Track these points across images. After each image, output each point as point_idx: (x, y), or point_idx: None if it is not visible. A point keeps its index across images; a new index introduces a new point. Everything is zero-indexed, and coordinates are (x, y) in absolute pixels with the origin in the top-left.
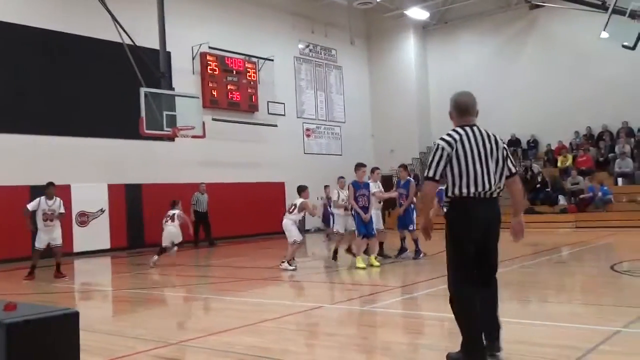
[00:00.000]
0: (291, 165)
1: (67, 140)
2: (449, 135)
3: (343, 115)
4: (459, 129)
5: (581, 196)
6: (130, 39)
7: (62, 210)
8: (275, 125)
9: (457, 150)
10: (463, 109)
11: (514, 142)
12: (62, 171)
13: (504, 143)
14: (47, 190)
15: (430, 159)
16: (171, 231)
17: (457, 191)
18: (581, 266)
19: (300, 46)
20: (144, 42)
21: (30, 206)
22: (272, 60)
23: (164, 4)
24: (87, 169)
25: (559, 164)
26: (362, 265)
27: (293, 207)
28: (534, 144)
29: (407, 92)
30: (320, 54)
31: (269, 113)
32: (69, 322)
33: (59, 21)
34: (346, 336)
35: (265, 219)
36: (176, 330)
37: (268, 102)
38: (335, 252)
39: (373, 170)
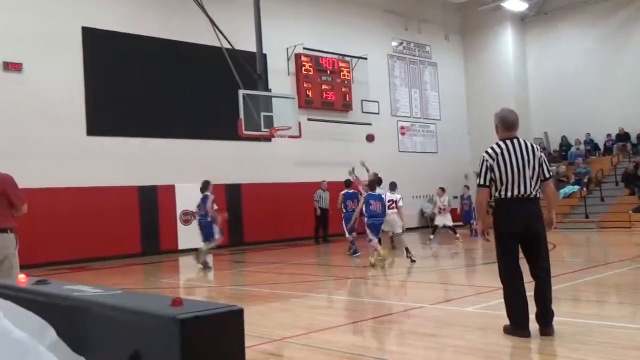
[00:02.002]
0: (386, 164)
1: (172, 142)
2: (492, 148)
3: (438, 112)
4: (500, 143)
5: None
6: (229, 42)
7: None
8: (370, 124)
9: (497, 161)
10: (509, 125)
11: (622, 137)
12: (167, 172)
13: (540, 152)
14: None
15: (478, 169)
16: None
17: (499, 194)
18: None
19: (394, 44)
20: (241, 45)
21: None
22: (366, 58)
23: (260, 6)
24: (190, 169)
25: None
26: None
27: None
28: None
29: (505, 87)
30: (414, 50)
31: (362, 112)
32: (234, 319)
33: (162, 29)
34: (446, 337)
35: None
36: (278, 327)
37: (362, 100)
38: None
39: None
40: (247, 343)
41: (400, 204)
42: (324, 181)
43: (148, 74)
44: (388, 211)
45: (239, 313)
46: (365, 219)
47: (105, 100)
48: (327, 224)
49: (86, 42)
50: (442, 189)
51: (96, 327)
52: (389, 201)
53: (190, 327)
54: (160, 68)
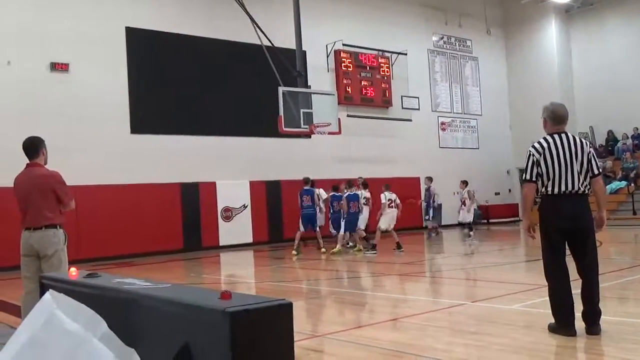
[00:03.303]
0: (426, 160)
1: (213, 139)
2: (539, 143)
3: (479, 107)
4: (548, 137)
5: None
6: (269, 40)
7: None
8: (410, 120)
9: (544, 156)
10: (558, 119)
11: None
12: (209, 169)
13: (589, 147)
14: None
15: (525, 164)
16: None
17: (545, 190)
18: None
19: (434, 38)
20: (280, 42)
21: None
22: (405, 54)
23: (300, 4)
24: (230, 166)
25: None
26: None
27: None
28: None
29: (549, 81)
30: (455, 45)
31: (403, 107)
32: (284, 312)
33: (203, 28)
34: (489, 335)
35: (402, 214)
36: (319, 323)
37: (402, 96)
38: None
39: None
40: None
41: (397, 201)
42: (361, 177)
43: (189, 73)
44: (388, 209)
45: (288, 307)
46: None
47: (148, 98)
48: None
49: (129, 42)
50: (464, 182)
51: (146, 320)
52: (388, 200)
53: (240, 320)
54: (202, 66)
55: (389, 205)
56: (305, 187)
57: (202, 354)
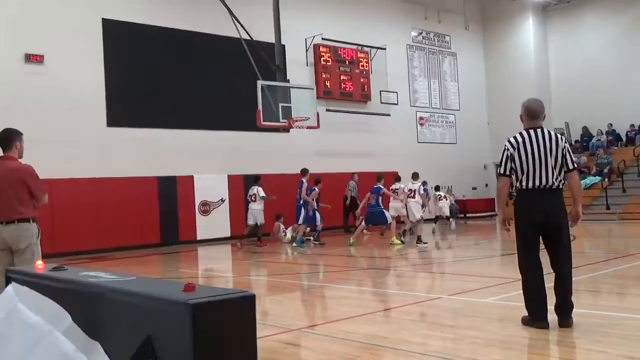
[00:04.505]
0: (405, 155)
1: (191, 133)
2: (514, 137)
3: (457, 102)
4: (523, 132)
5: None
6: (248, 33)
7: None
8: (388, 115)
9: (519, 150)
10: (532, 114)
11: None
12: (186, 163)
13: (565, 142)
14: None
15: (500, 158)
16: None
17: (519, 184)
18: None
19: (413, 34)
20: (259, 36)
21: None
22: (385, 49)
23: None
24: (208, 160)
25: None
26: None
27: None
28: None
29: (526, 77)
30: (434, 40)
31: (381, 102)
32: (246, 304)
33: (182, 20)
34: (465, 328)
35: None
36: (295, 317)
37: (381, 91)
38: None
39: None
40: (265, 332)
41: (421, 192)
42: (356, 173)
43: (167, 66)
44: (408, 200)
45: (251, 299)
46: None
47: (125, 91)
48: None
49: (106, 34)
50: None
51: (111, 313)
52: (409, 190)
53: (202, 312)
54: (180, 59)
55: (408, 195)
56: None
57: (165, 346)
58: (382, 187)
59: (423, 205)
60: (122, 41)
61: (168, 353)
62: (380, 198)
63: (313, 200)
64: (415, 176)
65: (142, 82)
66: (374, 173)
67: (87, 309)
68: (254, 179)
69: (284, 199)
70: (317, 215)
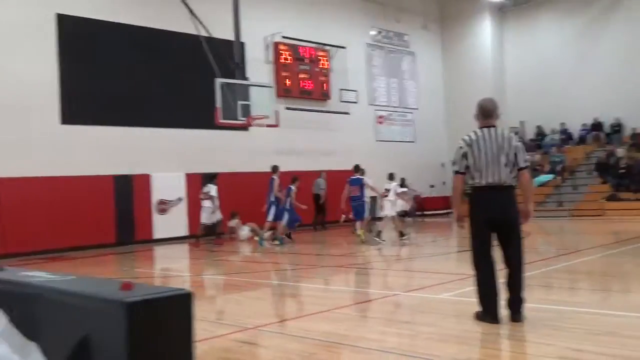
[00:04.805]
0: (364, 153)
1: (148, 131)
2: (468, 135)
3: (416, 101)
4: (477, 130)
5: None
6: (207, 30)
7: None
8: (348, 113)
9: (472, 148)
10: (486, 114)
11: (596, 126)
12: (143, 161)
13: (517, 141)
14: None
15: (454, 156)
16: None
17: (473, 181)
18: None
19: (372, 33)
20: (219, 33)
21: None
22: (344, 48)
23: None
24: (166, 158)
25: None
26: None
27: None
28: (617, 127)
29: (483, 77)
30: (393, 40)
31: (341, 101)
32: (184, 303)
33: (140, 16)
34: (421, 324)
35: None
36: (252, 316)
37: (340, 89)
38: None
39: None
40: (221, 331)
41: (398, 191)
42: (323, 171)
43: (124, 62)
44: (384, 198)
45: (188, 297)
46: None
47: (80, 88)
48: (324, 211)
49: (61, 29)
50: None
51: (49, 313)
52: (385, 189)
53: (138, 310)
54: (137, 56)
55: (383, 194)
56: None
57: (101, 346)
58: (364, 177)
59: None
60: (78, 37)
61: (105, 352)
62: (363, 190)
63: (288, 198)
64: (391, 176)
65: (99, 79)
66: (332, 172)
67: (25, 310)
68: (210, 177)
69: (243, 197)
70: (292, 213)
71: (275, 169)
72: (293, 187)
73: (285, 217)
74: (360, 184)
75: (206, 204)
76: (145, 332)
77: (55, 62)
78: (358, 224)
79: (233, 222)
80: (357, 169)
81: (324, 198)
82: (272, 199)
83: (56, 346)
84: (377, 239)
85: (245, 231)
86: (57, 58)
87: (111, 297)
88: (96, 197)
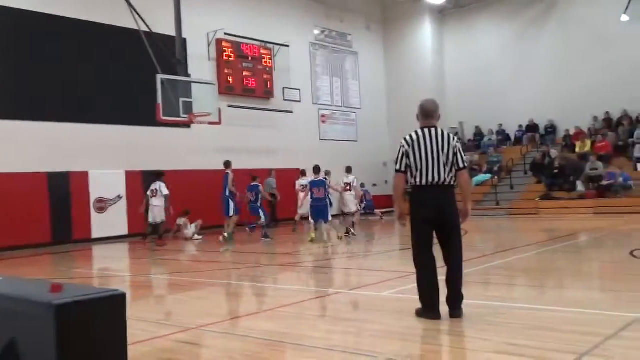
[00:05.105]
0: (307, 152)
1: (85, 127)
2: (409, 135)
3: (359, 101)
4: (418, 130)
5: (603, 183)
6: (147, 25)
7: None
8: (291, 112)
9: (413, 148)
10: (427, 114)
11: (531, 128)
12: (80, 158)
13: (457, 141)
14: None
15: (396, 155)
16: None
17: (414, 180)
18: (599, 252)
19: (316, 32)
20: (159, 29)
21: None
22: (288, 46)
23: None
24: (104, 155)
25: (577, 150)
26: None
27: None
28: (551, 129)
29: (423, 77)
30: (336, 39)
31: (284, 99)
32: (117, 304)
33: (77, 9)
34: (364, 321)
35: (282, 205)
36: (195, 316)
37: (284, 88)
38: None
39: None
40: (164, 332)
41: (354, 184)
42: (273, 170)
43: (61, 56)
44: (344, 192)
45: (121, 298)
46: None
47: (14, 82)
48: (275, 209)
49: None
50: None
51: None
52: (345, 184)
53: (67, 312)
54: (76, 50)
55: (345, 188)
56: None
57: (30, 349)
58: (327, 178)
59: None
60: (12, 29)
61: (34, 355)
62: (327, 192)
63: (259, 195)
64: (349, 170)
65: (34, 73)
66: (278, 170)
67: None
68: (157, 175)
69: (185, 195)
70: (264, 210)
71: (228, 164)
72: (260, 186)
73: (262, 214)
74: (324, 186)
75: (155, 202)
76: (75, 335)
77: None
78: (313, 224)
79: (181, 221)
80: (318, 170)
81: (278, 197)
82: (227, 194)
83: None
84: (348, 235)
85: (191, 229)
86: None
87: (40, 300)
88: (29, 194)
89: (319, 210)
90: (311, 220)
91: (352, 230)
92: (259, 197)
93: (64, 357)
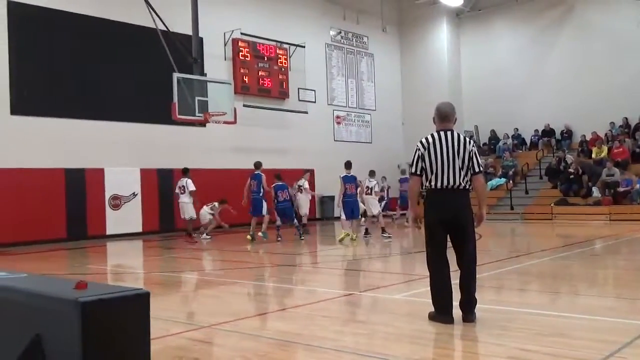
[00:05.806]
0: (321, 152)
1: (102, 124)
2: (425, 138)
3: (374, 103)
4: (434, 133)
5: (620, 189)
6: (164, 24)
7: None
8: (306, 112)
9: (429, 151)
10: (443, 117)
11: (547, 132)
12: (96, 155)
13: (473, 145)
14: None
15: (412, 158)
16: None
17: (429, 184)
18: (615, 259)
19: (332, 33)
20: (177, 28)
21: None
22: (303, 46)
23: None
24: (120, 153)
25: (593, 155)
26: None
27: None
28: (567, 134)
29: (439, 80)
30: (352, 40)
31: (299, 100)
32: (140, 302)
33: (95, 7)
34: (375, 324)
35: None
36: (207, 314)
37: (299, 88)
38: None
39: None
40: (176, 329)
41: (376, 189)
42: (307, 172)
43: (80, 53)
44: (365, 196)
45: (145, 296)
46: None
47: (33, 78)
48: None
49: (12, 18)
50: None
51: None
52: (366, 187)
53: (92, 310)
54: (93, 48)
55: (366, 192)
56: (255, 172)
57: (55, 346)
58: (304, 181)
59: (381, 200)
60: (30, 26)
61: (58, 351)
62: (356, 187)
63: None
64: (371, 174)
65: (52, 69)
66: (288, 170)
67: None
68: (183, 171)
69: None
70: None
71: (259, 165)
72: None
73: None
74: (355, 182)
75: (184, 199)
76: (100, 332)
77: (5, 52)
78: (346, 222)
79: (214, 209)
80: (349, 165)
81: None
82: (261, 194)
83: (8, 345)
84: (367, 235)
85: (205, 213)
86: (7, 47)
87: (65, 296)
88: (46, 190)
89: (355, 207)
90: (343, 217)
91: (386, 232)
92: (289, 196)
93: (88, 353)
